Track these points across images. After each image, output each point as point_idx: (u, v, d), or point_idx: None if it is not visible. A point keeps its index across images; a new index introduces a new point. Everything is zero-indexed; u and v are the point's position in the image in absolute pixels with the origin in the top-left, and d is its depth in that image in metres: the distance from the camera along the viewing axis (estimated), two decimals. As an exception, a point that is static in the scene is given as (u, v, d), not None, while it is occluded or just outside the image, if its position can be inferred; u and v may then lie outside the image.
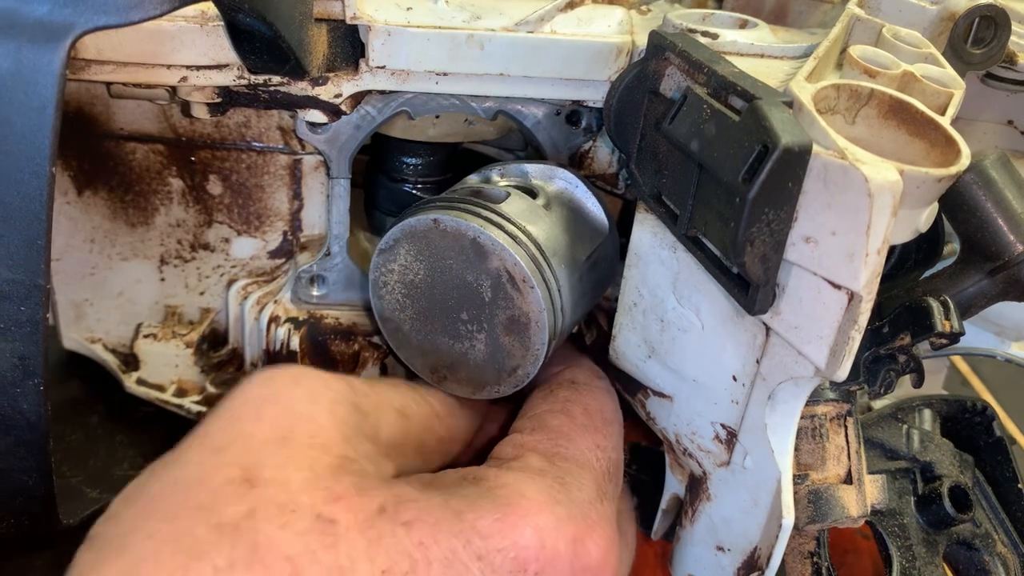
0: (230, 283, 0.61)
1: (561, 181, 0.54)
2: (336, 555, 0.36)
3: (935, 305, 0.44)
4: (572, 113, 0.56)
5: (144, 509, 0.36)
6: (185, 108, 0.53)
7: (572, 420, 0.48)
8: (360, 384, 0.46)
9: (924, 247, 0.52)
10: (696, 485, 0.51)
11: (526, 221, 0.48)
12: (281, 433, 0.40)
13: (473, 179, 0.55)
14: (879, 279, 0.36)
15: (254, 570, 0.34)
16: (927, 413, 0.61)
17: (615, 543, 0.44)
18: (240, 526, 0.35)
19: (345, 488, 0.39)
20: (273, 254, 0.60)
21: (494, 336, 0.48)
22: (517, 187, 0.52)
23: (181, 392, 0.62)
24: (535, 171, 0.54)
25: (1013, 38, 0.50)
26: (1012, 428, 0.59)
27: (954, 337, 0.44)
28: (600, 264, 0.53)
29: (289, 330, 0.60)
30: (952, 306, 0.44)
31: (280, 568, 0.35)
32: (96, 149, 0.55)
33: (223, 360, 0.63)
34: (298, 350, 0.60)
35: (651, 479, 0.59)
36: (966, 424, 0.62)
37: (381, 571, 0.36)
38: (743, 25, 0.51)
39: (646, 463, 0.64)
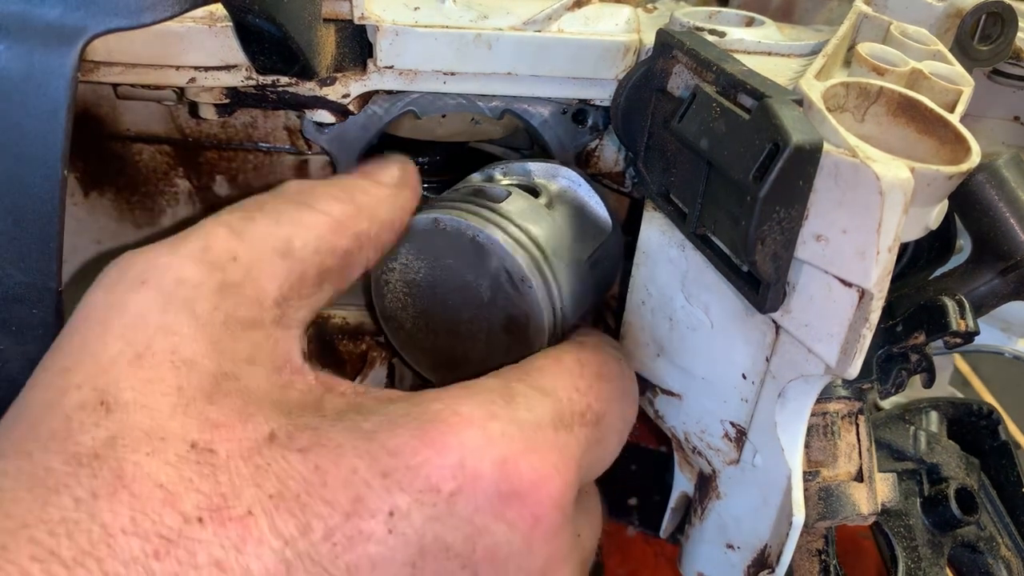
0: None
1: (564, 180, 0.54)
2: (216, 483, 0.32)
3: (950, 304, 0.44)
4: (579, 112, 0.56)
5: None
6: (193, 109, 0.53)
7: (558, 363, 0.43)
8: (223, 242, 0.39)
9: (936, 246, 0.52)
10: (705, 483, 0.51)
11: (526, 220, 0.48)
12: (136, 350, 0.35)
13: (475, 178, 0.54)
14: (890, 277, 0.36)
15: (120, 499, 0.31)
16: (934, 415, 0.62)
17: (563, 475, 0.38)
18: (100, 454, 0.32)
19: (224, 414, 0.34)
20: (280, 254, 0.60)
21: (494, 335, 0.48)
22: (519, 186, 0.52)
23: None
24: (538, 170, 0.54)
25: (1020, 34, 0.50)
26: (1013, 429, 0.59)
27: (969, 336, 0.44)
28: (603, 263, 0.53)
29: (296, 330, 0.60)
30: (967, 305, 0.44)
31: (151, 495, 0.31)
32: (102, 150, 0.55)
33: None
34: (305, 350, 0.60)
35: (652, 480, 0.59)
36: (971, 427, 0.62)
37: (269, 496, 0.33)
38: (750, 23, 0.51)
39: (647, 464, 0.65)
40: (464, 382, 0.40)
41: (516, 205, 0.49)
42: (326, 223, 0.42)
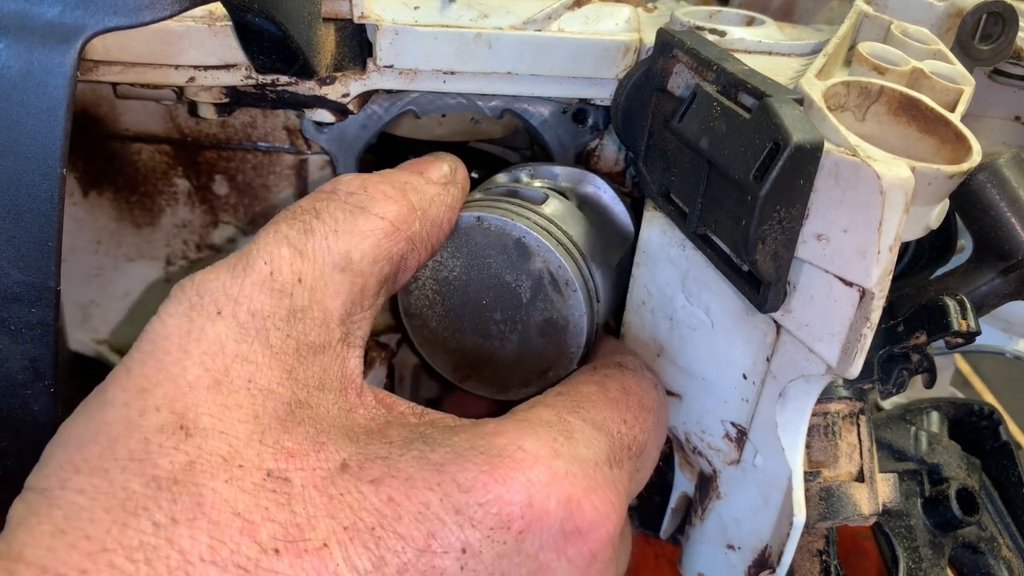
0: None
1: (590, 186, 0.54)
2: (291, 513, 0.33)
3: (952, 304, 0.44)
4: (579, 111, 0.56)
5: (72, 459, 0.33)
6: (192, 108, 0.53)
7: (604, 392, 0.44)
8: (287, 264, 0.39)
9: (937, 245, 0.52)
10: (706, 484, 0.51)
11: (566, 224, 0.48)
12: (214, 376, 0.35)
13: (503, 178, 0.54)
14: (891, 276, 0.36)
15: (199, 526, 0.31)
16: (935, 415, 0.62)
17: (618, 511, 0.39)
18: (179, 479, 0.32)
19: (298, 442, 0.35)
20: (279, 254, 0.60)
21: (527, 337, 0.48)
22: (550, 189, 0.52)
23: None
24: (565, 174, 0.54)
25: (1021, 34, 0.50)
26: (1014, 430, 0.59)
27: (970, 337, 0.44)
28: (626, 270, 0.53)
29: (296, 330, 0.60)
30: (968, 305, 0.44)
31: (229, 524, 0.31)
32: (102, 150, 0.55)
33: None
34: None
35: (651, 480, 0.59)
36: (972, 428, 0.62)
37: (343, 527, 0.33)
38: (750, 22, 0.51)
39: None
40: (517, 413, 0.41)
41: (555, 208, 0.49)
42: (382, 229, 0.42)
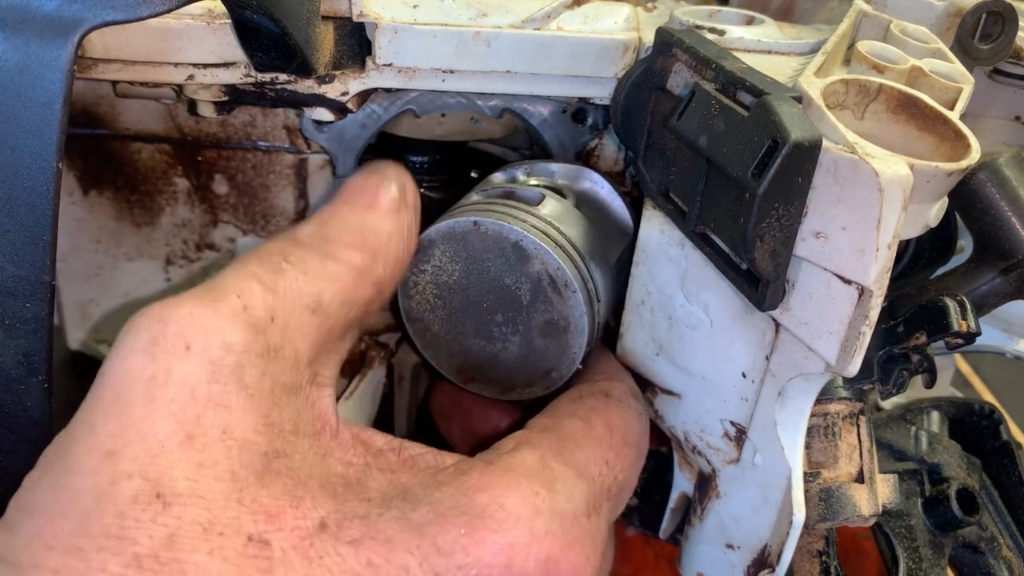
0: (236, 283, 0.61)
1: (588, 182, 0.54)
2: None
3: (952, 304, 0.44)
4: (578, 111, 0.56)
5: (43, 533, 0.31)
6: (191, 107, 0.53)
7: (589, 430, 0.44)
8: (260, 300, 0.37)
9: (937, 245, 0.52)
10: (705, 483, 0.50)
11: (564, 223, 0.48)
12: (187, 430, 0.33)
13: (499, 178, 0.54)
14: (889, 274, 0.36)
15: None
16: (935, 415, 0.61)
17: (593, 562, 0.39)
18: (160, 556, 0.30)
19: (276, 498, 0.34)
20: (279, 254, 0.60)
21: (529, 339, 0.48)
22: (547, 187, 0.52)
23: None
24: (561, 171, 0.54)
25: (1021, 33, 0.50)
26: (1015, 429, 0.59)
27: (970, 337, 0.44)
28: (626, 267, 0.53)
29: (295, 330, 0.60)
30: (969, 306, 0.44)
31: None
32: (102, 149, 0.55)
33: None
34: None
35: (652, 480, 0.59)
36: (973, 427, 0.62)
37: None
38: (750, 22, 0.51)
39: (647, 464, 0.64)
40: (502, 458, 0.40)
41: (552, 208, 0.49)
42: (348, 275, 0.41)
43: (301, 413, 0.37)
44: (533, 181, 0.54)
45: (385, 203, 0.45)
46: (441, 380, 0.56)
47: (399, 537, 0.35)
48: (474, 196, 0.51)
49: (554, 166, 0.54)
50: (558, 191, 0.52)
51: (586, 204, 0.53)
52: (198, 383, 0.33)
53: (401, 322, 0.53)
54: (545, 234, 0.46)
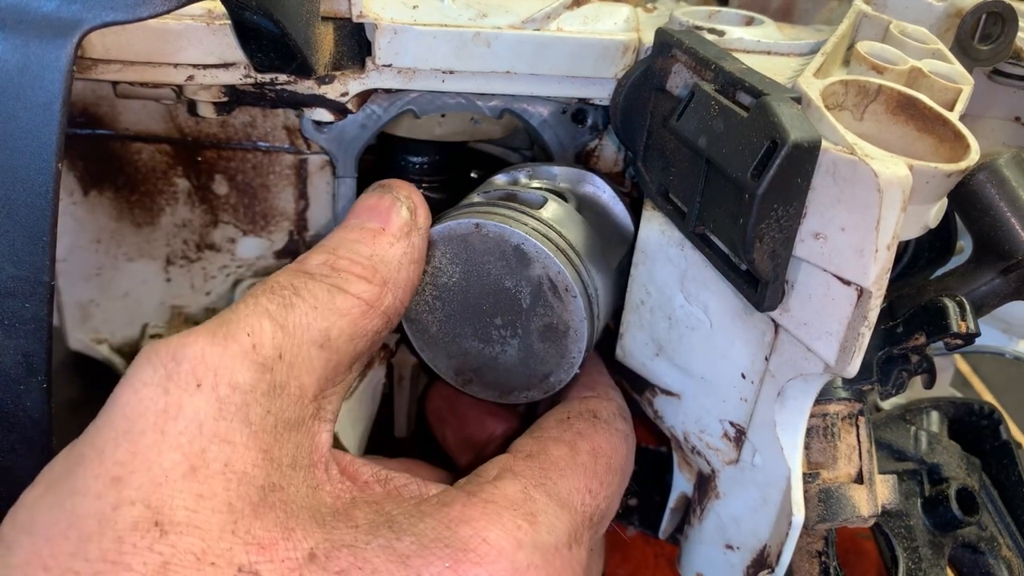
0: (236, 283, 0.61)
1: (590, 186, 0.54)
2: None
3: (951, 305, 0.44)
4: (578, 111, 0.56)
5: (40, 553, 0.32)
6: (191, 107, 0.53)
7: (574, 456, 0.45)
8: (269, 337, 0.38)
9: (936, 246, 0.52)
10: (704, 483, 0.50)
11: (565, 227, 0.48)
12: (191, 462, 0.34)
13: (501, 179, 0.54)
14: (889, 275, 0.36)
15: None
16: (935, 415, 0.61)
17: None
18: None
19: (268, 530, 0.34)
20: (279, 254, 0.60)
21: (528, 342, 0.48)
22: (548, 191, 0.52)
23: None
24: (563, 174, 0.54)
25: (1020, 34, 0.50)
26: (1014, 429, 0.59)
27: (970, 338, 0.44)
28: (627, 271, 0.53)
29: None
30: (968, 306, 0.44)
31: None
32: (102, 149, 0.55)
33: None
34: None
35: (652, 480, 0.59)
36: (972, 427, 0.62)
37: None
38: (749, 22, 0.51)
39: (647, 464, 0.64)
40: (485, 489, 0.40)
41: (554, 212, 0.49)
42: (358, 308, 0.42)
43: (300, 448, 0.38)
44: (535, 184, 0.53)
45: (395, 227, 0.45)
46: (437, 383, 0.56)
47: (385, 567, 0.35)
48: (475, 197, 0.51)
49: (556, 169, 0.54)
50: (560, 194, 0.52)
51: (587, 208, 0.53)
52: (206, 419, 0.35)
53: (399, 323, 0.53)
54: (546, 238, 0.46)
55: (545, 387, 0.49)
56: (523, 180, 0.54)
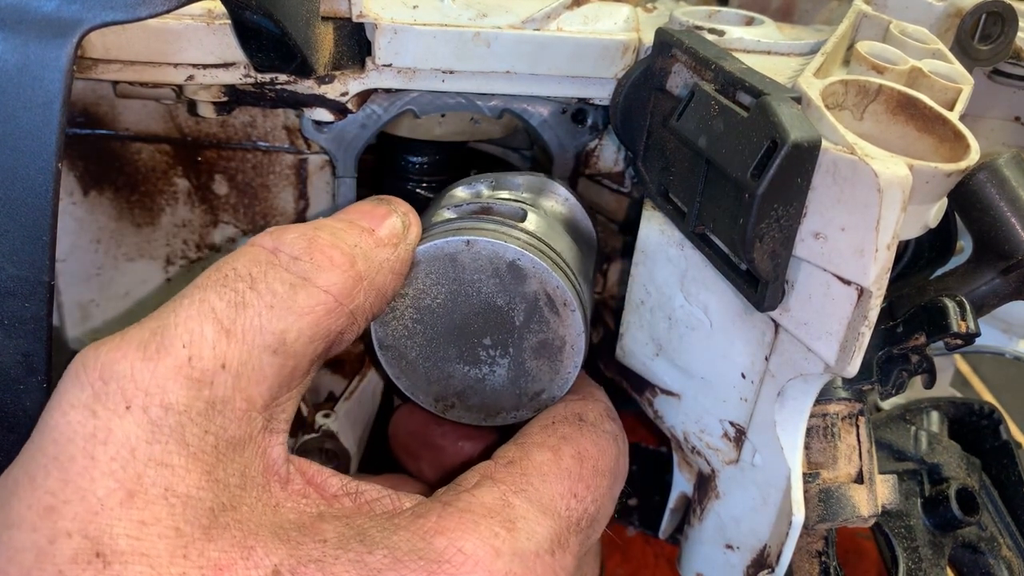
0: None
1: (552, 194, 0.52)
2: None
3: (951, 305, 0.44)
4: (578, 111, 0.56)
5: None
6: (191, 107, 0.53)
7: (558, 461, 0.42)
8: (210, 348, 0.35)
9: (936, 246, 0.52)
10: (704, 483, 0.50)
11: (552, 240, 0.46)
12: (127, 487, 0.32)
13: (464, 192, 0.52)
14: (889, 275, 0.36)
15: None
16: (935, 415, 0.61)
17: None
18: None
19: (225, 551, 0.33)
20: (279, 254, 0.60)
21: (519, 360, 0.46)
22: (516, 201, 0.50)
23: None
24: (526, 183, 0.52)
25: (1020, 34, 0.50)
26: (1014, 429, 0.59)
27: (969, 338, 0.44)
28: (593, 279, 0.52)
29: (295, 330, 0.60)
30: (968, 306, 0.44)
31: None
32: (102, 149, 0.55)
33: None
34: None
35: (652, 480, 0.59)
36: (973, 427, 0.62)
37: None
38: (749, 22, 0.51)
39: (647, 464, 0.64)
40: (461, 497, 0.38)
41: (538, 224, 0.47)
42: (323, 305, 0.38)
43: (249, 465, 0.36)
44: (501, 195, 0.51)
45: (385, 232, 0.43)
46: (399, 418, 0.53)
47: None
48: (446, 213, 0.48)
49: (519, 178, 0.52)
50: (526, 204, 0.50)
51: (558, 218, 0.51)
52: (138, 443, 0.33)
53: (371, 351, 0.49)
54: (539, 251, 0.44)
55: (535, 405, 0.47)
56: (486, 192, 0.52)
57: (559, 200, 0.52)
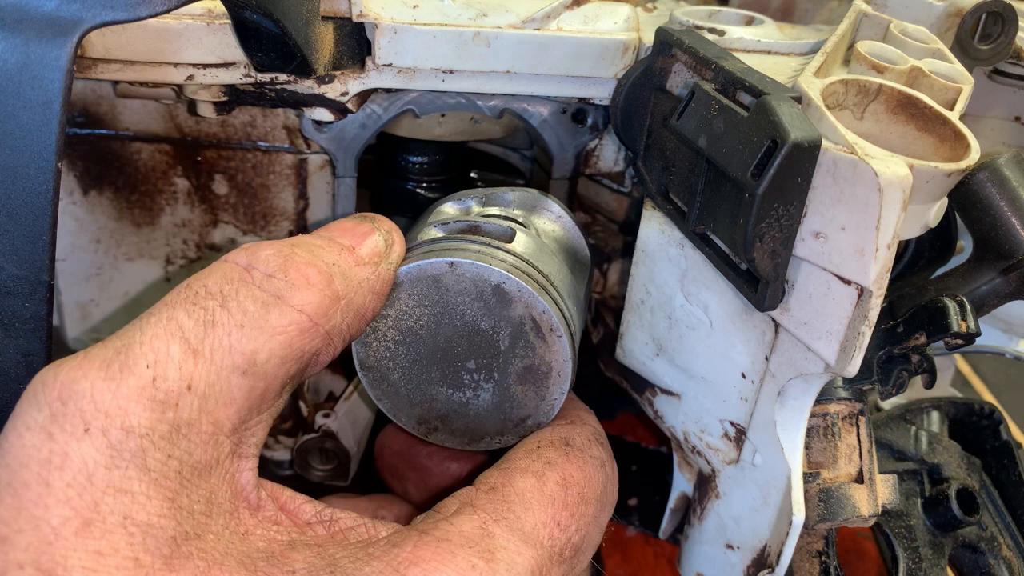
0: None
1: (546, 211, 0.51)
2: None
3: (951, 305, 0.44)
4: (578, 111, 0.56)
5: None
6: (191, 107, 0.53)
7: (542, 488, 0.40)
8: (175, 368, 0.33)
9: (937, 245, 0.52)
10: (705, 483, 0.50)
11: (540, 262, 0.45)
12: (83, 516, 0.30)
13: (452, 208, 0.50)
14: (889, 274, 0.36)
15: None
16: (935, 415, 0.61)
17: None
18: None
19: None
20: (279, 254, 0.60)
21: (504, 386, 0.45)
22: (508, 219, 0.49)
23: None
24: (518, 199, 0.51)
25: (1020, 34, 0.50)
26: (1015, 429, 0.59)
27: (970, 338, 0.44)
28: (587, 300, 0.51)
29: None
30: (968, 306, 0.44)
31: None
32: (102, 149, 0.55)
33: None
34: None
35: (651, 479, 0.59)
36: (973, 427, 0.62)
37: None
38: (750, 22, 0.51)
39: (647, 464, 0.64)
40: (439, 525, 0.37)
41: (526, 245, 0.45)
42: (297, 325, 0.36)
43: (216, 491, 0.34)
44: (490, 211, 0.50)
45: (367, 250, 0.41)
46: (385, 438, 0.52)
47: None
48: (432, 231, 0.47)
49: (510, 194, 0.51)
50: (518, 222, 0.49)
51: (551, 236, 0.50)
52: (96, 468, 0.31)
53: (352, 372, 0.48)
54: (526, 274, 0.43)
55: (521, 431, 0.46)
56: (476, 208, 0.50)
57: (551, 217, 0.51)
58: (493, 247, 0.44)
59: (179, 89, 0.50)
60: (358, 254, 0.41)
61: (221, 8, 0.46)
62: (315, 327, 0.37)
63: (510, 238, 0.45)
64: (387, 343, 0.45)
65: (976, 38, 0.49)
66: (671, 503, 0.56)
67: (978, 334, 0.45)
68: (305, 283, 0.37)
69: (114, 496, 0.31)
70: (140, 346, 0.33)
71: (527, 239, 0.46)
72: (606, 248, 0.62)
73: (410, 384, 0.46)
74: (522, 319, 0.43)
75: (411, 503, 0.50)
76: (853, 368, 0.38)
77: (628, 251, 0.55)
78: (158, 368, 0.33)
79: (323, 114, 0.52)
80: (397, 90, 0.53)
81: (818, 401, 0.45)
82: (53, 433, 0.31)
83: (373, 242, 0.42)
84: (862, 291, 0.36)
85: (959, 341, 0.45)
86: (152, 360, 0.33)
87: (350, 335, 0.40)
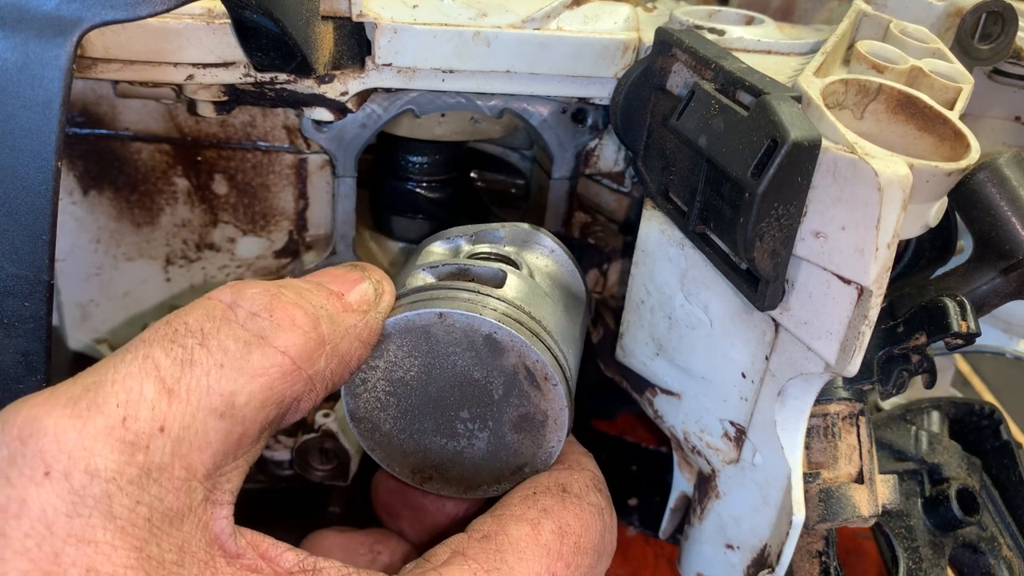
0: (236, 283, 0.61)
1: (538, 245, 0.50)
2: None
3: (951, 305, 0.44)
4: (578, 111, 0.56)
5: None
6: (191, 107, 0.53)
7: (536, 537, 0.39)
8: (148, 409, 0.31)
9: (937, 245, 0.52)
10: (705, 483, 0.50)
11: (532, 307, 0.43)
12: (44, 568, 0.28)
13: (442, 248, 0.49)
14: (889, 274, 0.36)
15: None
16: (935, 415, 0.61)
17: None
18: None
19: None
20: (279, 253, 0.60)
21: (500, 434, 0.44)
22: (498, 257, 0.48)
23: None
24: (509, 235, 0.49)
25: (1020, 34, 0.50)
26: (1015, 429, 0.59)
27: (970, 338, 0.44)
28: (584, 334, 0.49)
29: (295, 330, 0.60)
30: (969, 306, 0.44)
31: None
32: (102, 149, 0.55)
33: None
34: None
35: (651, 479, 0.59)
36: (973, 427, 0.62)
37: None
38: (750, 22, 0.51)
39: (647, 464, 0.64)
40: (429, 572, 0.36)
41: (518, 289, 0.44)
42: (279, 368, 0.35)
43: (189, 540, 0.32)
44: (480, 249, 0.49)
45: (356, 297, 0.40)
46: (381, 477, 0.51)
47: None
48: (421, 274, 0.46)
49: (501, 231, 0.49)
50: (510, 260, 0.48)
51: (543, 274, 0.48)
52: (56, 515, 0.29)
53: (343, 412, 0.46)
54: (518, 322, 0.42)
55: (518, 479, 0.44)
56: (465, 247, 0.49)
57: (544, 252, 0.50)
58: (483, 294, 0.42)
59: (179, 89, 0.50)
60: (347, 300, 0.40)
61: (221, 8, 0.46)
62: (298, 371, 0.36)
63: (501, 282, 0.44)
64: (377, 394, 0.44)
65: (976, 38, 0.49)
66: (671, 503, 0.56)
67: (978, 334, 0.45)
68: (291, 324, 0.36)
69: (75, 547, 0.29)
70: (112, 384, 0.31)
71: (518, 282, 0.45)
72: (606, 248, 0.62)
73: (403, 434, 0.45)
74: (515, 368, 0.42)
75: (408, 541, 0.49)
76: (853, 368, 0.38)
77: (628, 251, 0.55)
78: (129, 408, 0.31)
79: (323, 114, 0.52)
80: (397, 90, 0.53)
81: (818, 401, 0.45)
82: (11, 477, 0.29)
83: (362, 290, 0.41)
84: (862, 291, 0.36)
85: (959, 341, 0.45)
86: (123, 399, 0.31)
87: (333, 383, 0.39)
